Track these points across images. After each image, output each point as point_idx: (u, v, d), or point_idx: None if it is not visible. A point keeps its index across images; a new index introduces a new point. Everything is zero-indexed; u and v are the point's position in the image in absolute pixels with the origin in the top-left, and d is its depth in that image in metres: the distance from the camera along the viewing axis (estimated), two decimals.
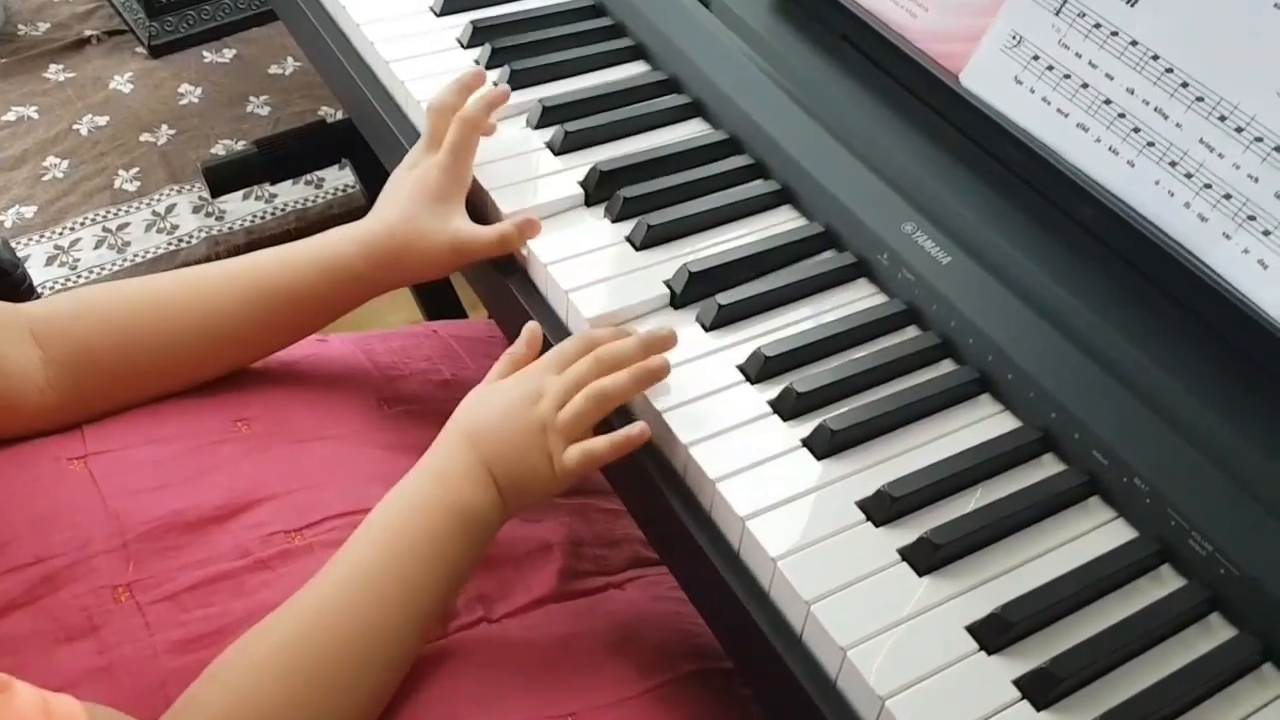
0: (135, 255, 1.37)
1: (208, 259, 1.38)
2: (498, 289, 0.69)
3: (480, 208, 0.70)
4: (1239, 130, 0.57)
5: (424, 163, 0.69)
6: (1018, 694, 0.48)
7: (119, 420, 0.64)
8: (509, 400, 0.60)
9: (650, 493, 0.58)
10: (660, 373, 0.59)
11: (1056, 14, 0.64)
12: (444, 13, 0.82)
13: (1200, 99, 0.58)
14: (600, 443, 0.58)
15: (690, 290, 0.63)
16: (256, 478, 0.64)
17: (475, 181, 0.70)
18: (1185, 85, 0.59)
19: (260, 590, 0.59)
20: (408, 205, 0.67)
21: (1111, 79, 0.61)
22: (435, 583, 0.57)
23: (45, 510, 0.59)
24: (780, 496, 0.54)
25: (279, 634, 0.53)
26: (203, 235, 1.40)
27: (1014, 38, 0.65)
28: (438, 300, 1.23)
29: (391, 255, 0.67)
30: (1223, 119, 0.57)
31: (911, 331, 0.63)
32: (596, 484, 0.78)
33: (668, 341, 0.61)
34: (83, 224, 1.41)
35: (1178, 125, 0.59)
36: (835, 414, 0.57)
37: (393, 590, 0.55)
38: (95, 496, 0.60)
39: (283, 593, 0.56)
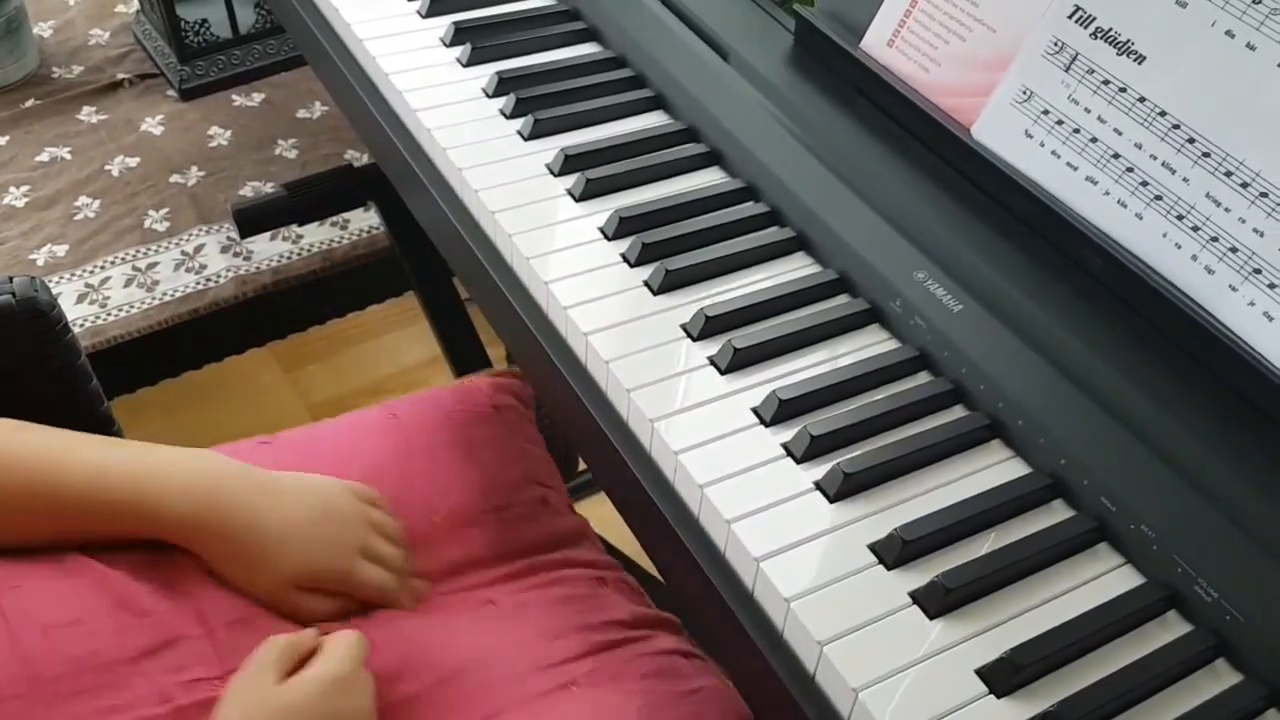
0: (164, 294, 1.40)
1: (235, 298, 1.41)
2: (518, 331, 0.70)
3: (503, 254, 0.72)
4: (1244, 186, 0.58)
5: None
6: None
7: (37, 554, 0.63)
8: None
9: (664, 533, 0.59)
10: None
11: (1066, 70, 0.65)
12: (470, 64, 0.84)
13: (1207, 154, 0.60)
14: None
15: (706, 333, 0.65)
16: (174, 609, 0.63)
17: (499, 225, 0.72)
18: (1192, 141, 0.60)
19: None
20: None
21: (1120, 134, 0.63)
22: None
23: None
24: (794, 538, 0.55)
25: None
26: (230, 275, 1.43)
27: (1024, 93, 0.67)
28: (457, 339, 1.25)
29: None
30: (1229, 174, 0.59)
31: (923, 377, 0.64)
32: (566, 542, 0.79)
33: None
34: (113, 263, 1.44)
35: (1185, 180, 0.60)
36: (848, 457, 0.58)
37: None
38: (5, 636, 0.59)
39: None
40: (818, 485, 0.58)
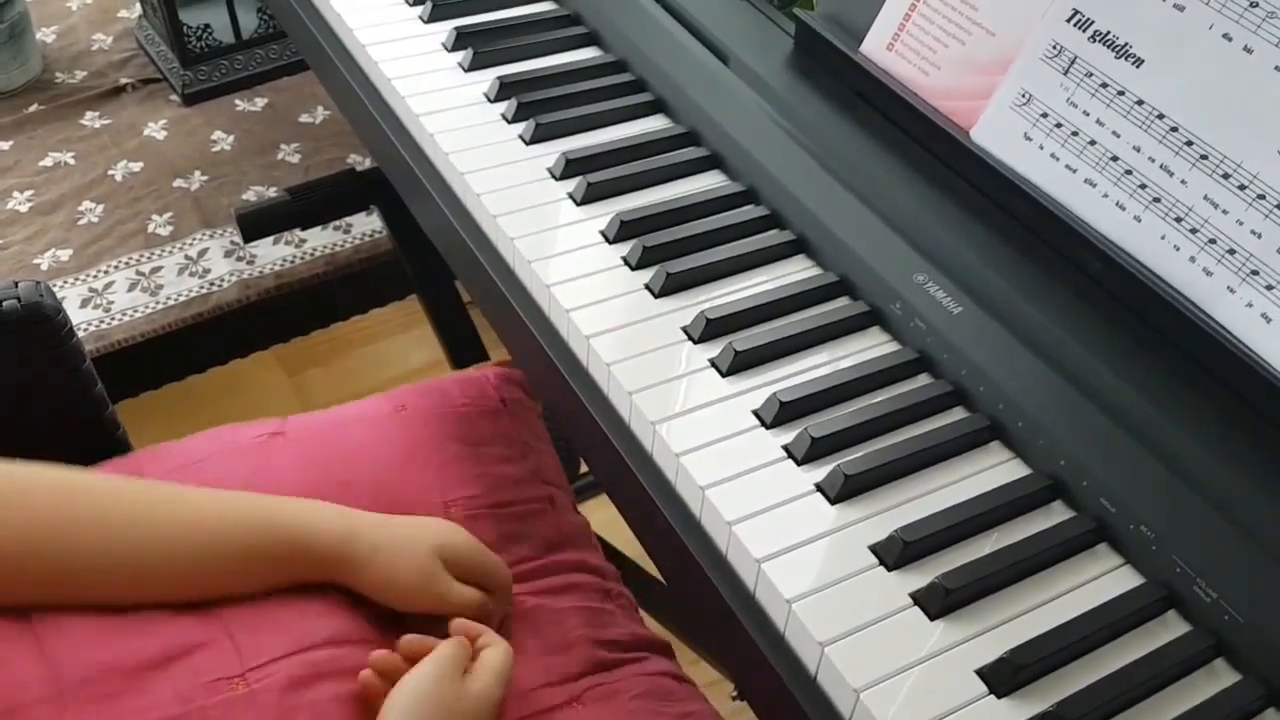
0: (168, 298, 1.41)
1: (239, 302, 1.42)
2: (520, 334, 0.71)
3: (505, 257, 0.73)
4: (1242, 188, 0.58)
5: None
6: None
7: None
8: None
9: (666, 535, 0.60)
10: None
11: (1065, 74, 0.66)
12: (472, 68, 0.84)
13: (1205, 157, 0.60)
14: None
15: (707, 336, 0.65)
16: (199, 622, 0.64)
17: (501, 228, 0.72)
18: (1190, 144, 0.60)
19: None
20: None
21: (1118, 137, 0.63)
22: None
23: None
24: (795, 540, 0.56)
25: None
26: (234, 279, 1.44)
27: (1024, 96, 0.67)
28: (460, 342, 1.25)
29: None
30: (1226, 176, 0.59)
31: (924, 379, 0.64)
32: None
33: None
34: (116, 267, 1.44)
35: (1183, 182, 0.61)
36: (849, 459, 0.59)
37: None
38: (32, 642, 0.60)
39: None
40: (819, 487, 0.58)
